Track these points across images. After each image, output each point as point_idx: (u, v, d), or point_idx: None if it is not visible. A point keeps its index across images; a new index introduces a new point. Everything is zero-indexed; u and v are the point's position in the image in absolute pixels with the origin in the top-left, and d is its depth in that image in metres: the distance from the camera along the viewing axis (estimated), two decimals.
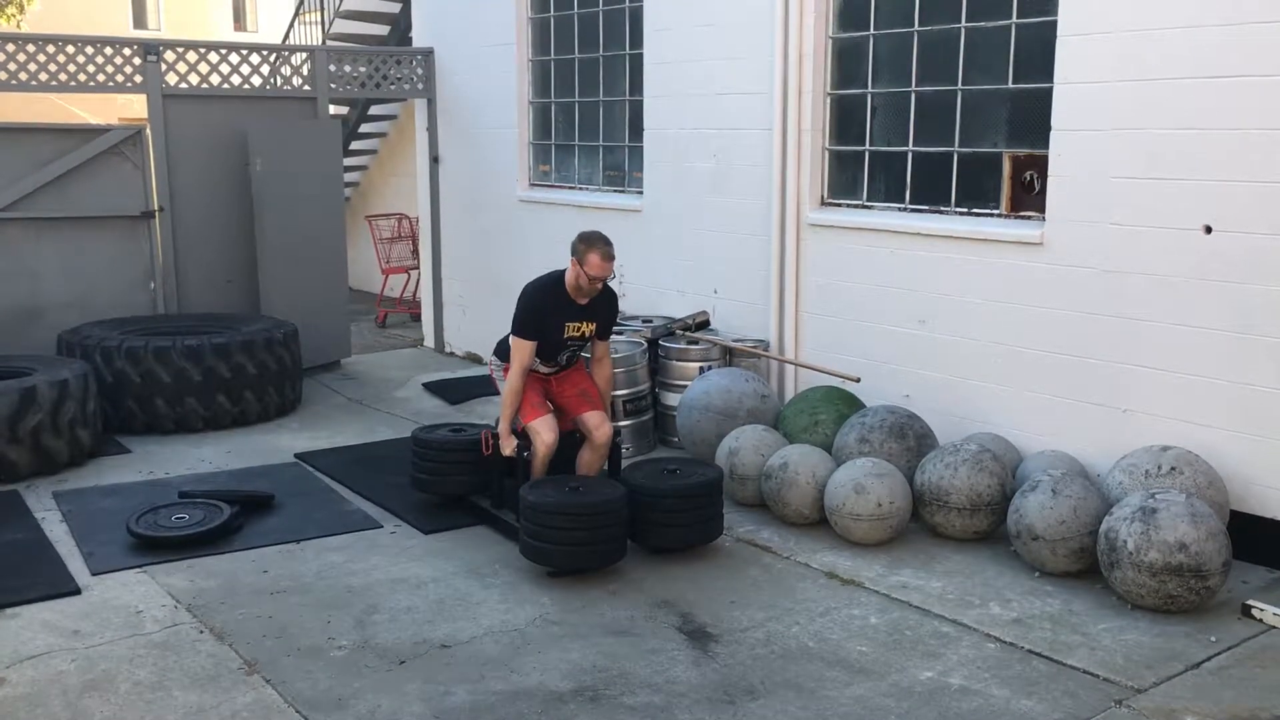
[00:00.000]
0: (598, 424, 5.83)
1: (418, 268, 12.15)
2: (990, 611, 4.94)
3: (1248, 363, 5.27)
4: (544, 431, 5.69)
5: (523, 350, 5.68)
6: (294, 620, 4.92)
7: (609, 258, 5.60)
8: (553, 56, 9.34)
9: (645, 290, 8.42)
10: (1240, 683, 4.29)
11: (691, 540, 5.57)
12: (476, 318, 10.31)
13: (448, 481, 6.19)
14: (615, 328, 7.81)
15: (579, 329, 5.76)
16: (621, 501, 5.28)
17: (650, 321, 7.89)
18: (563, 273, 5.72)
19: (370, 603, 5.10)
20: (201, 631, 4.80)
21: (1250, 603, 4.84)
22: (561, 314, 5.69)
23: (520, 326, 5.71)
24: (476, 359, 10.23)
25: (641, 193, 8.42)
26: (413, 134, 11.54)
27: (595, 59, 8.92)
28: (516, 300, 5.76)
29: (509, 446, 5.76)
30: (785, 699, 4.23)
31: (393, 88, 10.38)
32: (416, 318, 12.10)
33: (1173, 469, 5.25)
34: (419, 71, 10.39)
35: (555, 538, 5.19)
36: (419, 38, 10.64)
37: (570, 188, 9.28)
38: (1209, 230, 5.34)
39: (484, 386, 8.89)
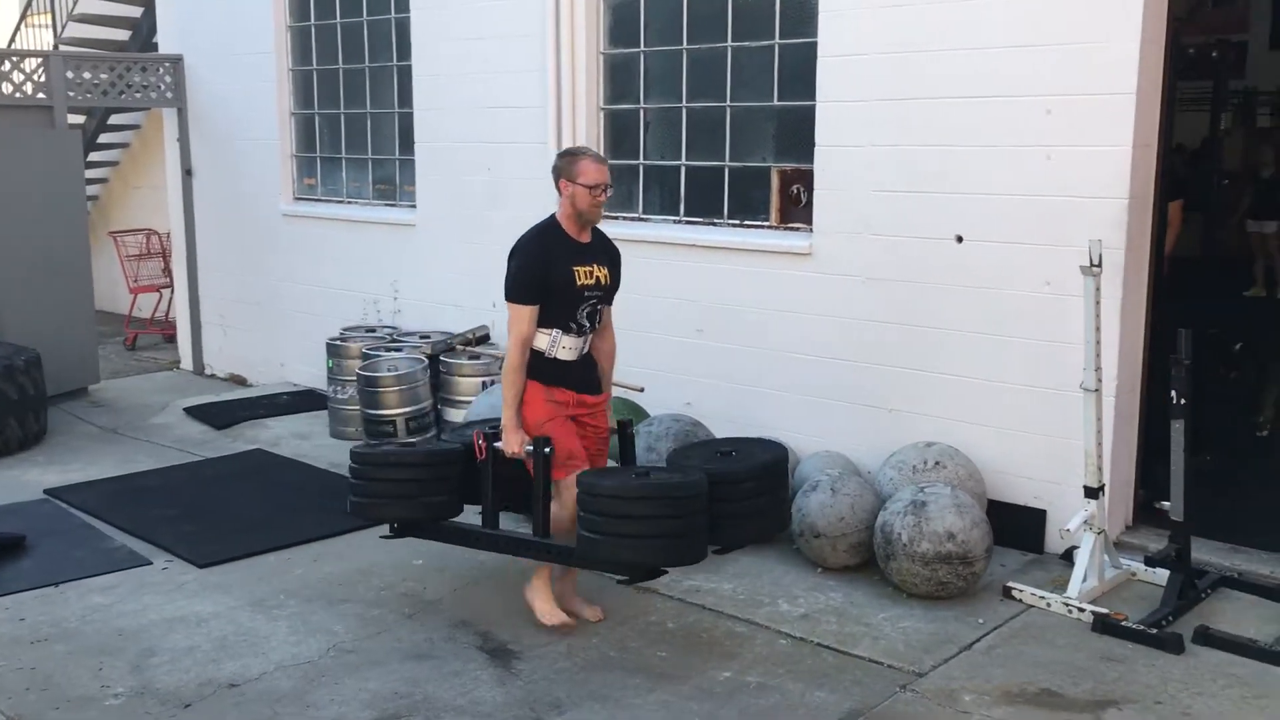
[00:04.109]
0: None
1: (171, 286, 11.49)
2: (779, 609, 5.12)
3: (999, 363, 5.69)
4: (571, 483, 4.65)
5: (521, 319, 4.65)
6: (60, 670, 4.56)
7: (602, 161, 4.80)
8: (315, 66, 9.06)
9: (421, 306, 8.28)
10: (1007, 660, 4.62)
11: (772, 530, 4.90)
12: (239, 337, 9.86)
13: (408, 504, 5.00)
14: (392, 345, 7.72)
15: (591, 274, 4.76)
16: (705, 485, 4.42)
17: (428, 337, 7.77)
18: (550, 217, 4.86)
19: (146, 645, 4.78)
20: None
21: (1010, 585, 5.22)
22: (566, 258, 4.71)
23: (516, 289, 4.67)
24: (241, 380, 9.78)
25: (415, 206, 8.28)
26: (158, 144, 10.96)
27: (361, 70, 8.71)
28: (508, 261, 4.77)
29: (515, 443, 4.69)
30: (591, 710, 4.25)
31: (138, 96, 9.79)
32: (170, 339, 11.44)
33: (937, 463, 5.61)
34: (167, 79, 9.84)
35: (640, 530, 4.33)
36: (165, 43, 10.09)
37: (338, 201, 9.02)
38: (960, 240, 5.74)
39: (253, 409, 8.54)
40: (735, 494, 4.54)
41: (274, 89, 9.20)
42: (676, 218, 6.97)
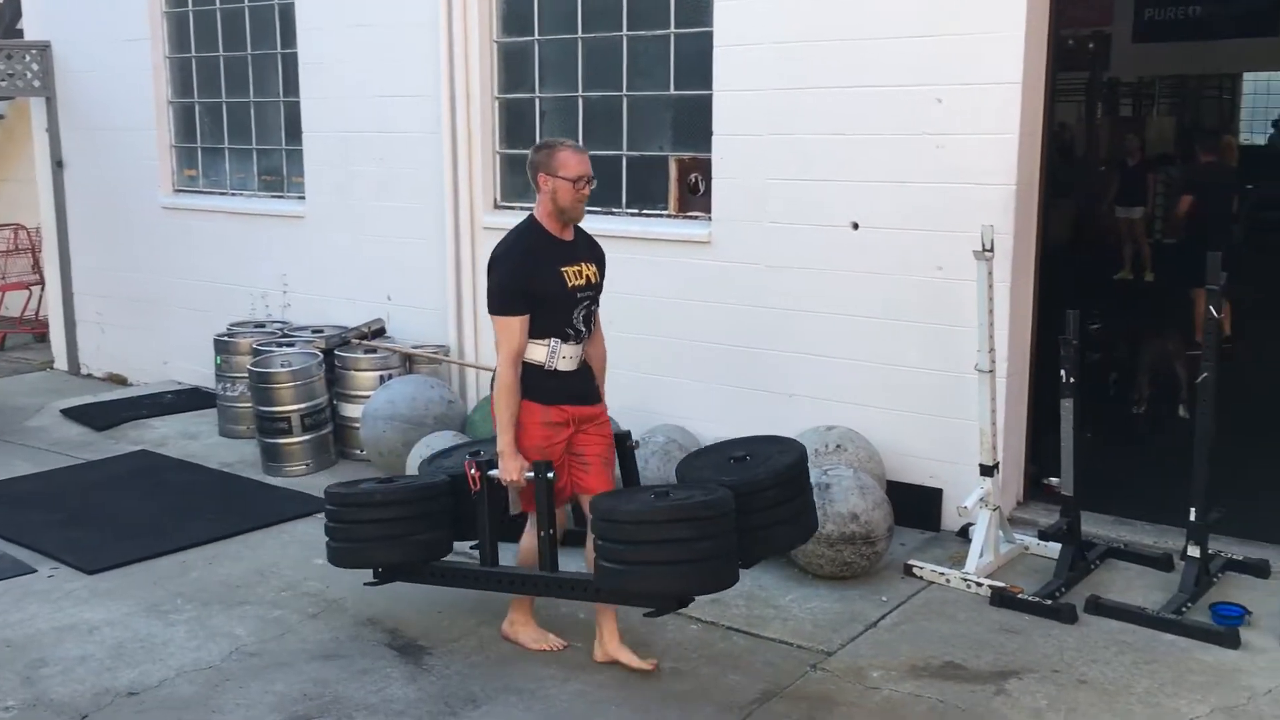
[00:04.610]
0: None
1: (41, 283, 11.00)
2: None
3: (893, 346, 5.82)
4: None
5: (511, 332, 4.24)
6: None
7: (583, 151, 4.39)
8: (194, 54, 8.77)
9: (313, 300, 8.10)
10: (912, 636, 4.74)
11: (802, 538, 4.56)
12: (118, 335, 9.50)
13: (397, 545, 4.62)
14: (284, 340, 7.53)
15: (581, 273, 4.38)
16: (733, 501, 4.05)
17: (321, 331, 7.60)
18: (529, 217, 4.46)
19: (36, 656, 4.59)
20: None
21: (910, 562, 5.36)
22: (552, 260, 4.32)
23: (502, 300, 4.26)
24: (121, 380, 9.43)
25: (303, 198, 8.09)
26: (24, 135, 10.50)
27: (243, 57, 8.46)
28: (488, 272, 4.37)
29: (514, 470, 4.29)
30: (507, 703, 4.22)
31: (3, 85, 9.34)
32: (42, 338, 10.96)
33: (838, 446, 5.71)
34: (34, 67, 9.41)
35: (669, 556, 3.95)
36: (31, 29, 9.64)
37: (222, 193, 8.75)
38: (856, 226, 5.85)
39: (136, 409, 8.26)
40: (760, 504, 4.18)
41: (150, 77, 8.87)
42: None
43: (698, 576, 4.02)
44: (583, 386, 4.47)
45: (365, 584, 4.80)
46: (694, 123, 6.40)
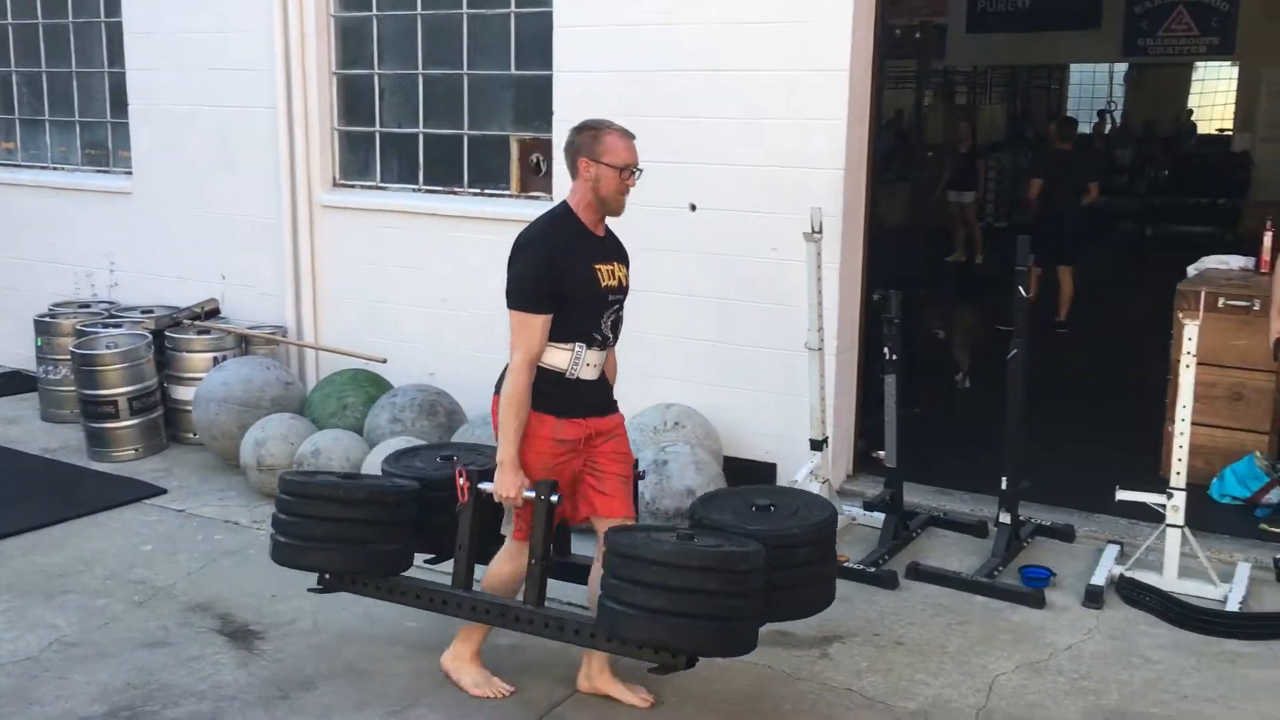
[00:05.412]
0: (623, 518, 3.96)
1: None
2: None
3: (731, 325, 5.97)
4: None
5: (531, 331, 3.71)
6: None
7: (629, 135, 3.85)
8: (10, 20, 8.34)
9: (142, 279, 7.82)
10: None
11: (823, 603, 3.97)
12: None
13: (354, 551, 4.07)
14: (111, 320, 7.26)
15: (614, 273, 3.88)
16: (764, 557, 3.56)
17: (151, 312, 7.35)
18: (562, 204, 3.92)
19: None
20: None
21: None
22: (586, 254, 3.81)
23: (525, 294, 3.72)
24: None
25: (130, 173, 7.80)
26: None
27: (65, 25, 8.08)
28: (510, 261, 3.81)
29: (513, 486, 3.76)
30: (342, 684, 4.20)
31: None
32: None
33: (677, 424, 5.83)
34: None
35: (692, 608, 3.42)
36: None
37: (41, 167, 8.37)
38: (694, 208, 5.96)
39: None
40: (786, 561, 3.70)
41: None
42: (415, 186, 6.89)
43: (719, 637, 3.51)
44: (602, 396, 3.99)
45: (309, 590, 4.30)
46: (535, 103, 6.41)
